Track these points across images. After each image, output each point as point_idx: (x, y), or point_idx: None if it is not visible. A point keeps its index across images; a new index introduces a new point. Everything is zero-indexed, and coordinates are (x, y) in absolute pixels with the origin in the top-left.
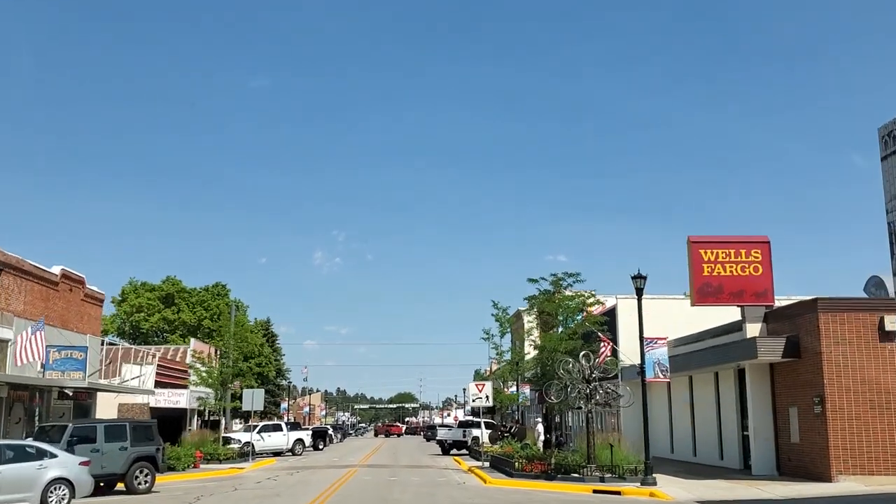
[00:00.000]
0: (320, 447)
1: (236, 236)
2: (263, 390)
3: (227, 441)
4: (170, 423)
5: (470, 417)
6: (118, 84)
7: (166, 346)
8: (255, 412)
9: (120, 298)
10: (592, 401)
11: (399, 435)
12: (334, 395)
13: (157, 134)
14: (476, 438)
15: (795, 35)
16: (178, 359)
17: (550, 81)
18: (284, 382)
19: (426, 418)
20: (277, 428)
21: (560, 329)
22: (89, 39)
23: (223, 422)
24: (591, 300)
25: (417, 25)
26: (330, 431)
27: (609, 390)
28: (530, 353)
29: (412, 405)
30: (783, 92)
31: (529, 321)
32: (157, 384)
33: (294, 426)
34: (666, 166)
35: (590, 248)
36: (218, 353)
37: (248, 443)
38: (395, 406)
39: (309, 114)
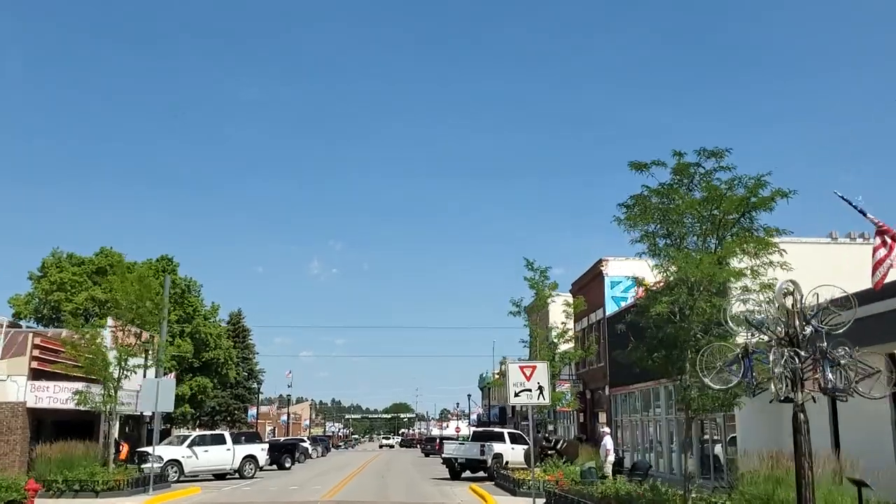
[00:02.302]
0: (287, 465)
1: (233, 246)
2: (174, 381)
3: (142, 458)
4: (71, 431)
5: (478, 428)
6: (120, 95)
7: (84, 329)
8: (226, 420)
9: (39, 274)
10: (824, 382)
11: None
12: (329, 405)
13: (155, 143)
14: (498, 456)
15: (798, 46)
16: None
17: (551, 91)
18: (261, 387)
19: (423, 430)
20: (218, 440)
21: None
22: (88, 49)
23: (113, 429)
24: (756, 198)
25: (416, 35)
26: (306, 444)
27: (855, 362)
28: (570, 330)
29: (408, 415)
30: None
31: (566, 304)
32: (40, 374)
33: (251, 437)
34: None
35: (587, 258)
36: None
37: (174, 461)
38: (389, 416)
39: (306, 124)
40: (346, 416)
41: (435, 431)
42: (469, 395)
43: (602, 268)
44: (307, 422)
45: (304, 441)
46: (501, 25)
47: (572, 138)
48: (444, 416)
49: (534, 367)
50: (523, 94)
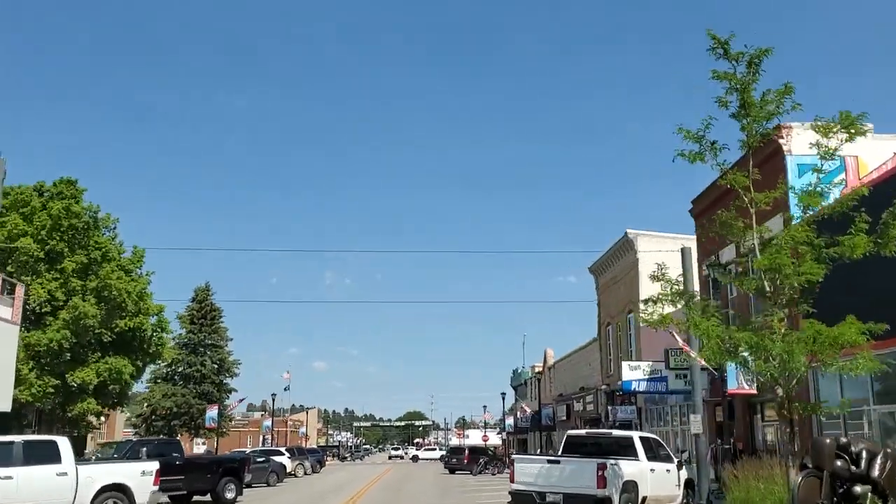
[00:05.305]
0: (228, 496)
1: (246, 256)
2: None
3: None
4: None
5: (577, 431)
6: (122, 96)
7: None
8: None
9: None
10: None
11: None
12: (342, 414)
13: (166, 152)
14: (631, 488)
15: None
16: None
17: (560, 102)
18: (227, 382)
19: (439, 439)
20: (42, 454)
21: None
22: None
23: None
24: None
25: (427, 46)
26: (281, 459)
27: None
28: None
29: (422, 422)
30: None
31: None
32: None
33: (161, 448)
34: (676, 185)
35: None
36: None
37: None
38: (403, 424)
39: (316, 135)
40: (356, 425)
41: (454, 440)
42: (503, 394)
43: (781, 141)
44: (303, 429)
45: (281, 453)
46: (512, 33)
47: (586, 149)
48: (465, 424)
49: None
50: (533, 104)
